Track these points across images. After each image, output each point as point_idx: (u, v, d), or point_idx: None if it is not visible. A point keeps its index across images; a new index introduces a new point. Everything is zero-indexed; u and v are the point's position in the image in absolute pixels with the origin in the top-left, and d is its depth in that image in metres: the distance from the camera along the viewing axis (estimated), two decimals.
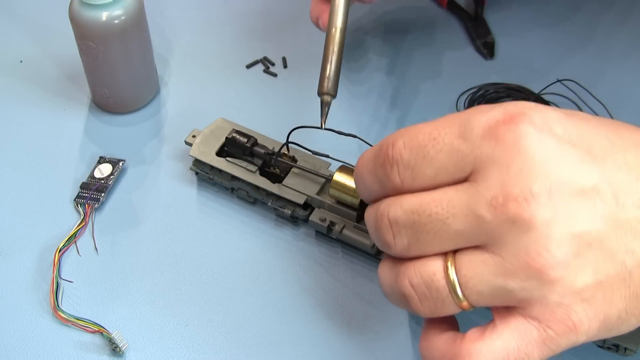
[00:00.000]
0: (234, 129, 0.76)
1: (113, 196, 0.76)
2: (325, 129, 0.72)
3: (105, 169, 0.77)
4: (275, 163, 0.74)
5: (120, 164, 0.78)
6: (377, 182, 0.52)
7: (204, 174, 0.76)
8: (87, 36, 0.76)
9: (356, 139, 0.71)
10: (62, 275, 0.70)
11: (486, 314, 0.68)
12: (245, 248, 0.73)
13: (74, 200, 0.75)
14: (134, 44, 0.79)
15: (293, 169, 0.74)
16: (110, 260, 0.71)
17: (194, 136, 0.77)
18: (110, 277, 0.70)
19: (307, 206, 0.73)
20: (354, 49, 0.93)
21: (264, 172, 0.74)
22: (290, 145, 0.73)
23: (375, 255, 0.70)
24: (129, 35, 0.77)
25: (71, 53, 0.85)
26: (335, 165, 0.72)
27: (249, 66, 0.90)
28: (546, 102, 0.86)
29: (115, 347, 0.64)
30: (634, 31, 0.96)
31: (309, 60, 0.91)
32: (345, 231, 0.70)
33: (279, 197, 0.73)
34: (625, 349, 0.63)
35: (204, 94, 0.87)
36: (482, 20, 0.96)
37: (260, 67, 0.90)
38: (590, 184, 0.46)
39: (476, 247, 0.48)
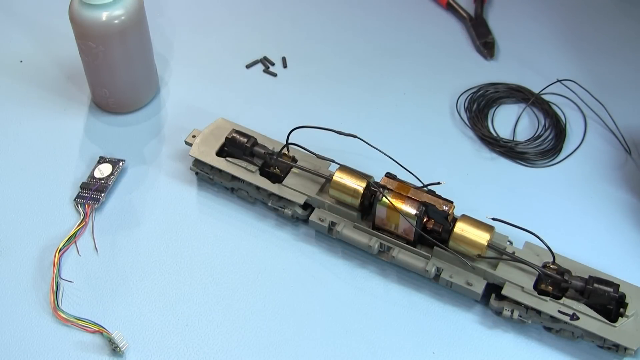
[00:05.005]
0: (234, 129, 0.76)
1: (113, 196, 0.76)
2: (326, 129, 0.72)
3: (105, 169, 0.77)
4: (275, 163, 0.74)
5: (120, 164, 0.78)
6: None
7: (204, 174, 0.76)
8: (87, 36, 0.76)
9: (356, 139, 0.71)
10: (62, 275, 0.70)
11: (488, 317, 0.68)
12: (245, 248, 0.73)
13: (74, 200, 0.75)
14: (134, 44, 0.79)
15: (293, 169, 0.74)
16: (110, 260, 0.71)
17: (194, 136, 0.77)
18: (110, 277, 0.70)
19: (307, 206, 0.73)
20: (354, 49, 0.93)
21: (264, 172, 0.74)
22: (290, 145, 0.73)
23: (375, 255, 0.70)
24: (129, 35, 0.77)
25: (71, 53, 0.85)
26: (336, 165, 0.72)
27: (249, 66, 0.90)
28: (546, 102, 0.86)
29: (115, 347, 0.64)
30: (634, 31, 0.96)
31: (309, 60, 0.91)
32: (345, 231, 0.70)
33: (279, 197, 0.73)
34: (626, 348, 0.63)
35: (204, 94, 0.87)
36: (482, 20, 0.96)
37: (260, 67, 0.90)
38: None
39: None
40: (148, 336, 0.66)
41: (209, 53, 0.92)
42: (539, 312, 0.65)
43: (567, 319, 0.64)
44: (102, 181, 0.76)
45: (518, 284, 0.66)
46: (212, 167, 0.75)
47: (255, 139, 0.75)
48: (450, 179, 0.75)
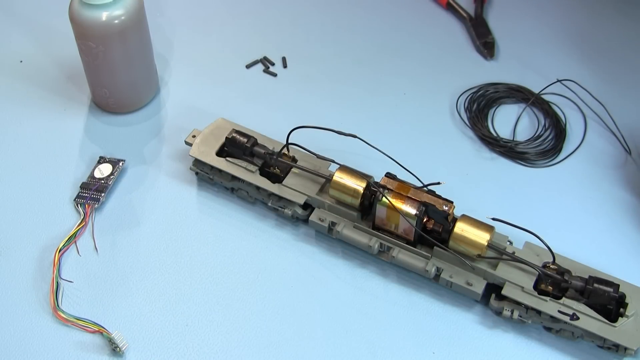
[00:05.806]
0: (234, 129, 0.76)
1: (113, 196, 0.76)
2: (326, 129, 0.72)
3: (105, 169, 0.77)
4: (275, 163, 0.74)
5: (120, 164, 0.78)
6: None
7: (204, 174, 0.76)
8: (87, 36, 0.76)
9: (356, 139, 0.71)
10: (62, 275, 0.70)
11: (487, 315, 0.68)
12: (245, 248, 0.73)
13: (74, 200, 0.75)
14: (134, 44, 0.79)
15: (293, 169, 0.74)
16: (110, 260, 0.71)
17: (194, 136, 0.77)
18: (110, 277, 0.70)
19: (307, 206, 0.73)
20: (354, 49, 0.93)
21: (264, 172, 0.74)
22: (290, 145, 0.73)
23: (375, 255, 0.70)
24: (129, 35, 0.77)
25: (71, 53, 0.85)
26: (336, 165, 0.72)
27: (249, 66, 0.90)
28: (546, 102, 0.86)
29: (115, 347, 0.64)
30: (634, 31, 0.96)
31: (309, 60, 0.91)
32: (345, 231, 0.70)
33: (279, 197, 0.73)
34: (626, 348, 0.63)
35: (204, 94, 0.87)
36: (482, 20, 0.96)
37: (260, 67, 0.90)
38: None
39: None
40: (148, 336, 0.66)
41: (209, 53, 0.92)
42: (539, 312, 0.65)
43: (567, 319, 0.64)
44: (102, 181, 0.76)
45: (518, 284, 0.66)
46: (212, 167, 0.75)
47: (255, 139, 0.75)
48: (450, 179, 0.75)
